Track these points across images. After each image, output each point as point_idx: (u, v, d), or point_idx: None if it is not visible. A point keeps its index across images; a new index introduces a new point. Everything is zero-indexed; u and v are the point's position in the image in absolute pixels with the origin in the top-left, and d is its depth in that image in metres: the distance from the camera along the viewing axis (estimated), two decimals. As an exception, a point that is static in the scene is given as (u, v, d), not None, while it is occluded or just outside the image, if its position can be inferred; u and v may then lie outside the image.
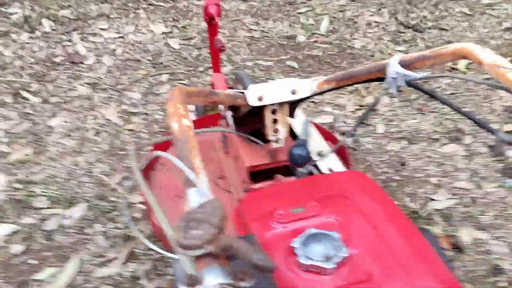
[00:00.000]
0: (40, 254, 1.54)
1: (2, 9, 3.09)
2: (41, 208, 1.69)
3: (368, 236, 0.73)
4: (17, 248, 1.55)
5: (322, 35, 3.00)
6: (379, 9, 3.24)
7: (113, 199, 1.75)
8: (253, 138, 1.23)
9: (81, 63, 2.60)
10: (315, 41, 2.94)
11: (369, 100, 2.34)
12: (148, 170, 1.53)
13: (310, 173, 1.05)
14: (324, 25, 3.08)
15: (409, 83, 0.88)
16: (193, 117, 1.98)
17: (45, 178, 1.82)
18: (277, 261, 0.69)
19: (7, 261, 1.50)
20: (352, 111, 2.27)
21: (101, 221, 1.65)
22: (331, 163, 1.19)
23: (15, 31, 2.87)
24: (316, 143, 1.18)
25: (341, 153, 1.30)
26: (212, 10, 1.54)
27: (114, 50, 2.73)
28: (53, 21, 2.98)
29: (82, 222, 1.65)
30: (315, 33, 3.01)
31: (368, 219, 0.76)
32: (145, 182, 0.63)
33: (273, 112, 1.08)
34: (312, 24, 3.11)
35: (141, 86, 2.44)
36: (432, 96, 0.92)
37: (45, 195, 1.73)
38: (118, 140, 2.06)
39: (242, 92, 1.01)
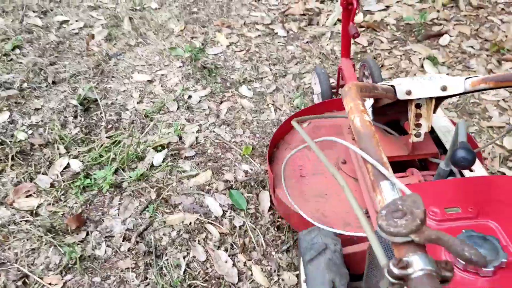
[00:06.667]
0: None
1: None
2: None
3: None
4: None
5: None
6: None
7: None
8: (389, 130, 1.24)
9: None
10: None
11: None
12: (272, 148, 1.61)
13: (451, 172, 1.04)
14: None
15: None
16: None
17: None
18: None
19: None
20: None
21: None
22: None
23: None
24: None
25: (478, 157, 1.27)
26: None
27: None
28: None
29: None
30: None
31: None
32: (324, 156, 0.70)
33: (418, 106, 1.08)
34: None
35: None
36: None
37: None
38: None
39: (392, 86, 1.02)
